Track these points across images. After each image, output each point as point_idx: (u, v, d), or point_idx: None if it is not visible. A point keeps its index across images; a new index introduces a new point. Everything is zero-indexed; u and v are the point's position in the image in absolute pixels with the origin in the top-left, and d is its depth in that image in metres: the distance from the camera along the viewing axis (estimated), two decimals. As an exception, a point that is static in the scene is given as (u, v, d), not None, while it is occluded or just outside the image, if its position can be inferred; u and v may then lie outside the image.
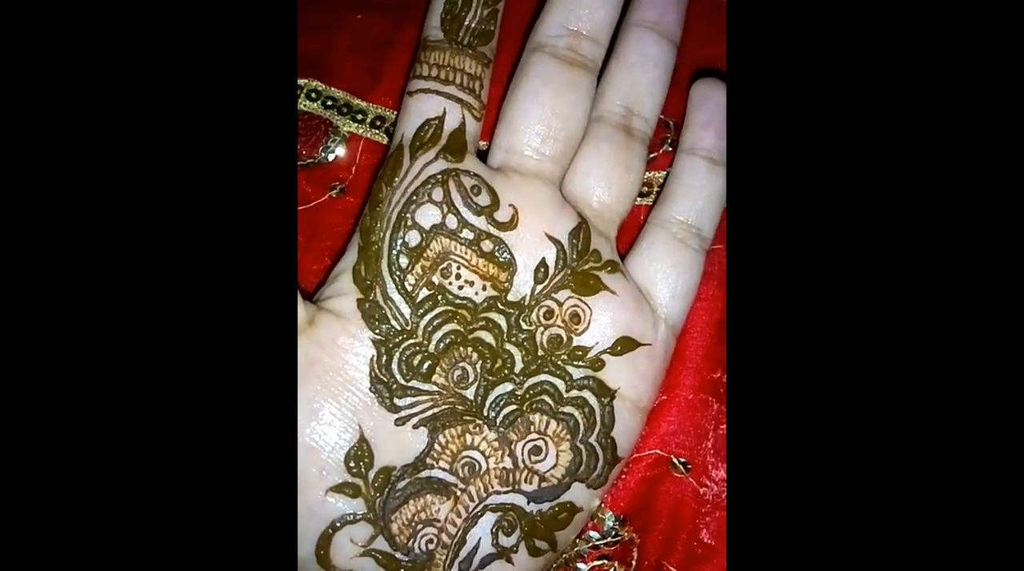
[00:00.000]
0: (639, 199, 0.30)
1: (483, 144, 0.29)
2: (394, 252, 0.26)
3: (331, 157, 0.32)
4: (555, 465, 0.26)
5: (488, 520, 0.25)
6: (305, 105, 0.32)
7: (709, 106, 0.28)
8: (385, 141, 0.31)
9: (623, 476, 0.29)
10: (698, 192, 0.28)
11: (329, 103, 0.32)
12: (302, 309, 0.26)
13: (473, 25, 0.27)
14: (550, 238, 0.26)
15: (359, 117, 0.32)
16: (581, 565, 0.29)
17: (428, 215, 0.26)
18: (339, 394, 0.25)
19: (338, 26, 0.32)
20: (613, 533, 0.29)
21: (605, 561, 0.29)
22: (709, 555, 0.29)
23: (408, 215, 0.26)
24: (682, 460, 0.29)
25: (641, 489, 0.29)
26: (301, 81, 0.32)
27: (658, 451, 0.29)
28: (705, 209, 0.28)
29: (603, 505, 0.29)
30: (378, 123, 0.32)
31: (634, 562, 0.29)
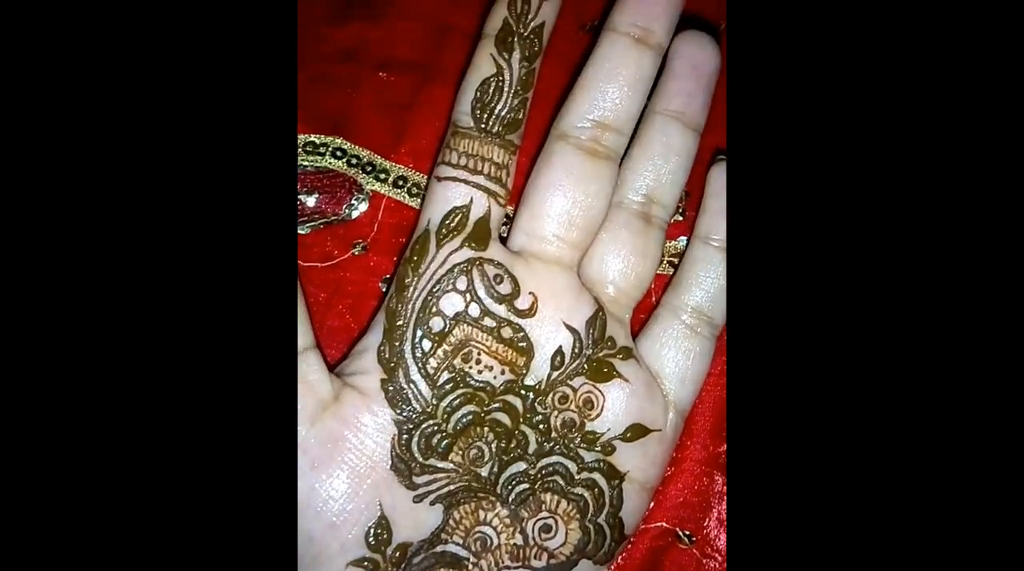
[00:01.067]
0: None
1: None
2: (418, 336, 0.27)
3: (355, 214, 0.32)
4: (564, 543, 0.27)
5: (497, 595, 0.27)
6: (331, 163, 0.32)
7: (725, 194, 0.29)
8: (407, 200, 0.32)
9: (629, 547, 0.30)
10: (711, 282, 0.29)
11: (354, 162, 0.32)
12: (328, 384, 0.27)
13: (503, 114, 0.27)
14: (567, 327, 0.27)
15: (382, 176, 0.32)
16: None
17: (452, 303, 0.27)
18: (362, 472, 0.26)
19: (362, 84, 0.33)
20: None
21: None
22: None
23: (433, 302, 0.27)
24: (687, 532, 0.30)
25: (647, 560, 0.30)
26: (327, 139, 0.32)
27: (664, 523, 0.30)
28: (717, 299, 0.29)
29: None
30: (400, 183, 0.32)
31: None
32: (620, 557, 0.30)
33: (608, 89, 0.28)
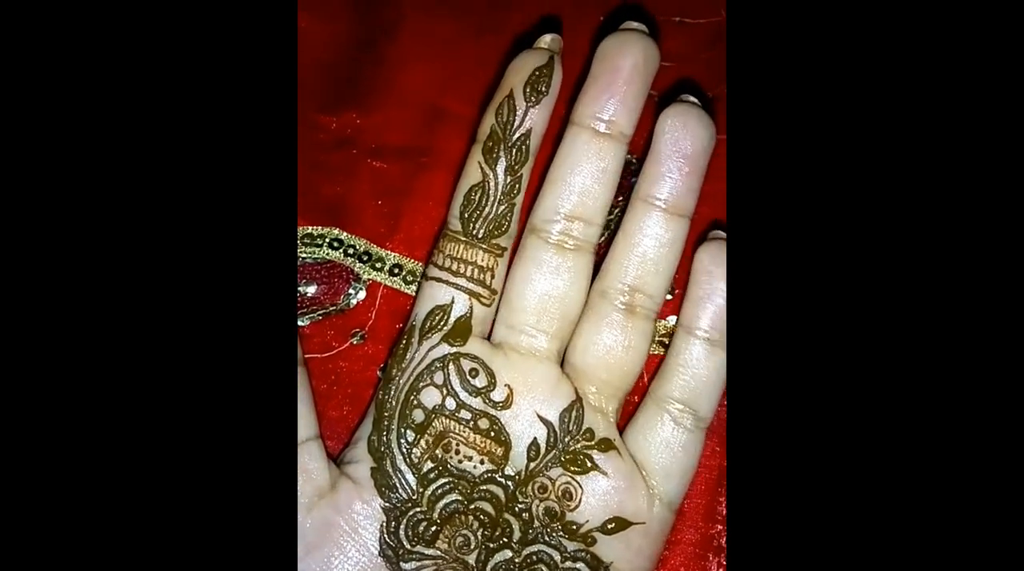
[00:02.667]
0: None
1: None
2: (402, 428, 0.27)
3: (353, 303, 0.33)
4: (554, 632, 0.27)
5: None
6: (328, 254, 0.33)
7: (710, 281, 0.28)
8: (403, 288, 0.33)
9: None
10: (694, 373, 0.28)
11: (351, 251, 0.33)
12: (327, 473, 0.28)
13: (488, 219, 0.28)
14: (540, 419, 0.28)
15: (378, 265, 0.33)
16: None
17: (431, 396, 0.28)
18: (353, 557, 0.27)
19: (356, 172, 0.34)
20: None
21: None
22: None
23: (414, 396, 0.28)
24: None
25: None
26: (324, 230, 0.33)
27: None
28: (702, 391, 0.28)
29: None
30: (396, 271, 0.33)
31: None
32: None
33: (573, 182, 0.28)
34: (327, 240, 0.33)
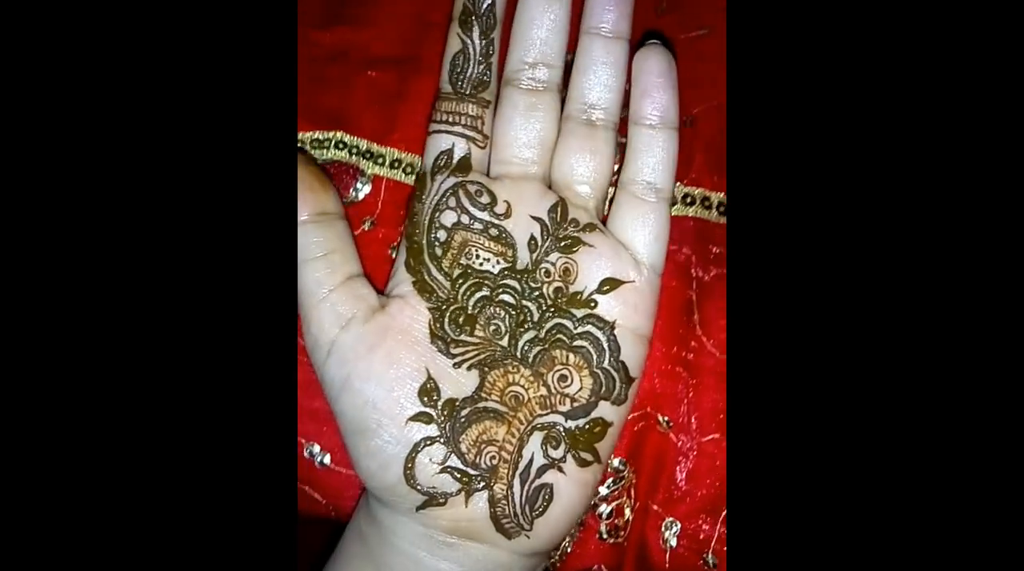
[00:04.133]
0: (707, 214, 0.38)
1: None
2: (432, 245, 0.34)
3: (361, 196, 0.39)
4: (581, 388, 0.33)
5: (537, 438, 0.33)
6: (334, 154, 0.39)
7: (645, 77, 0.34)
8: (403, 178, 0.39)
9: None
10: (647, 155, 0.35)
11: (354, 151, 0.39)
12: (375, 297, 0.34)
13: (472, 78, 0.35)
14: (534, 218, 0.34)
15: (379, 160, 0.39)
16: (603, 506, 0.36)
17: (448, 217, 0.34)
18: (409, 347, 0.33)
19: (353, 82, 0.39)
20: (621, 474, 0.36)
21: (619, 501, 0.37)
22: (683, 497, 0.36)
23: (436, 218, 0.34)
24: (665, 418, 0.37)
25: (634, 439, 0.36)
26: (329, 133, 0.39)
27: (648, 409, 0.37)
28: (656, 167, 0.35)
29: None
30: (396, 165, 0.39)
31: (634, 498, 0.37)
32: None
33: (532, 35, 0.35)
34: (332, 142, 0.39)
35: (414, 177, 0.38)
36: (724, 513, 0.35)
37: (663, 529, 0.36)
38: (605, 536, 0.37)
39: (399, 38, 0.39)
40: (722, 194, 0.37)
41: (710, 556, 0.36)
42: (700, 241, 0.37)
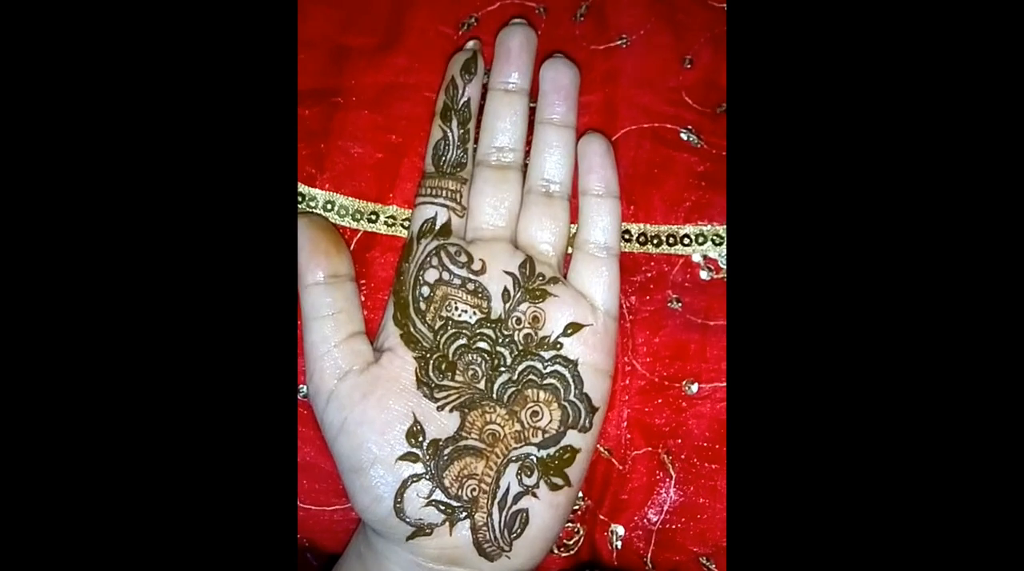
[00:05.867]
0: (627, 246, 0.42)
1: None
2: (415, 301, 0.39)
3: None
4: (551, 420, 0.37)
5: (512, 468, 0.37)
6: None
7: (590, 157, 0.40)
8: (337, 221, 0.42)
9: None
10: (596, 218, 0.40)
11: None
12: (371, 351, 0.39)
13: (451, 160, 0.41)
14: (507, 273, 0.39)
15: (311, 203, 0.42)
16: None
17: (432, 274, 0.39)
18: (398, 394, 0.37)
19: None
20: (577, 504, 0.41)
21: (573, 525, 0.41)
22: (624, 507, 0.40)
23: (420, 277, 0.39)
24: (607, 448, 0.41)
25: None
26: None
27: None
28: (605, 229, 0.40)
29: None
30: (328, 207, 0.43)
31: (585, 514, 0.41)
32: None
33: (498, 126, 0.41)
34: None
35: (349, 221, 0.42)
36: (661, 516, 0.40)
37: (609, 533, 0.41)
38: (557, 550, 0.41)
39: (315, 68, 0.43)
40: (640, 224, 0.42)
41: (706, 560, 0.40)
42: (624, 273, 0.41)
